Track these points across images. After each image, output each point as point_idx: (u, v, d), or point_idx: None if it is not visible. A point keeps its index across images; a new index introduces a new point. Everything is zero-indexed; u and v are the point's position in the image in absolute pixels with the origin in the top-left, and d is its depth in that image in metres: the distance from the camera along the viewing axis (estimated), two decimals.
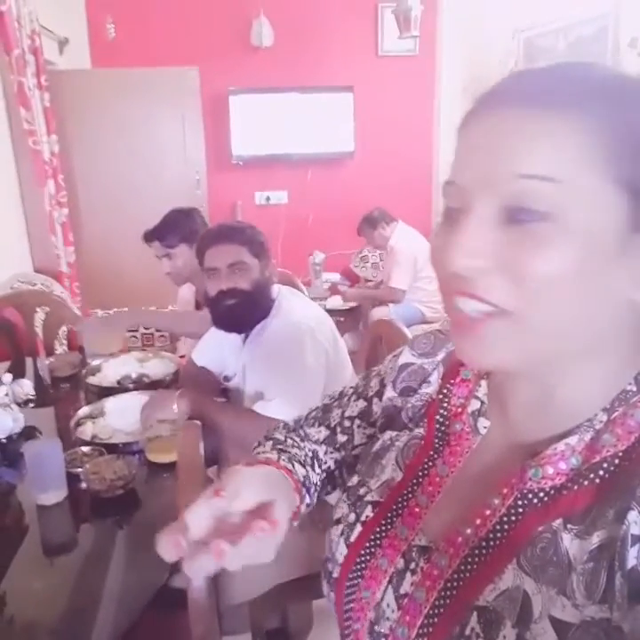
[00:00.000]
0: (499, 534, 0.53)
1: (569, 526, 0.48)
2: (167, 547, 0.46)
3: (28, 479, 1.33)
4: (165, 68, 3.90)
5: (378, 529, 0.62)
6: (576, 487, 0.49)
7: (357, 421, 0.78)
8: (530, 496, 0.52)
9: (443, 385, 0.67)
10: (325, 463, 0.78)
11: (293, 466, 0.69)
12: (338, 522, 0.66)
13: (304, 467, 0.71)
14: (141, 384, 1.92)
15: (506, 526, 0.52)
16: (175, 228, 2.20)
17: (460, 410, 0.63)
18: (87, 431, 1.57)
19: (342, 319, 3.64)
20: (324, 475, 0.77)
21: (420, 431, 0.66)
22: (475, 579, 0.52)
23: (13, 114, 3.04)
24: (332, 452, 0.79)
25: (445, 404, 0.65)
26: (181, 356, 2.23)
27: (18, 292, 2.80)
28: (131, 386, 1.91)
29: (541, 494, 0.51)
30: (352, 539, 0.63)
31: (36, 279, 3.06)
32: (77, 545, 1.21)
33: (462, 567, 0.54)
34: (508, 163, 0.45)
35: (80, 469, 1.33)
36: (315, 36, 4.48)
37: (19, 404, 1.69)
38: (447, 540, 0.56)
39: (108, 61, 4.23)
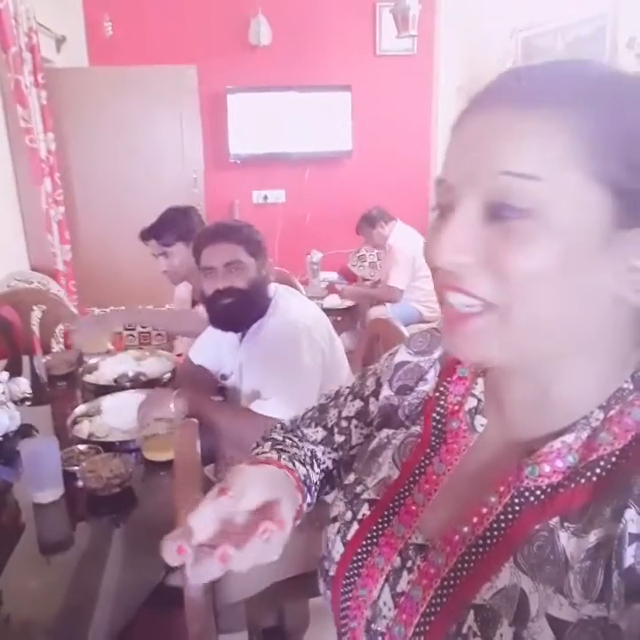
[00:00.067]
0: (495, 532, 0.53)
1: (566, 524, 0.48)
2: (171, 552, 0.46)
3: (24, 477, 1.33)
4: (163, 66, 3.90)
5: (374, 527, 0.62)
6: (573, 485, 0.49)
7: (354, 421, 0.78)
8: (527, 494, 0.52)
9: (439, 383, 0.67)
10: (323, 463, 0.78)
11: (294, 465, 0.69)
12: (334, 520, 0.66)
13: (304, 466, 0.71)
14: (138, 382, 1.92)
15: (503, 524, 0.52)
16: (172, 226, 2.20)
17: (456, 408, 0.63)
18: (84, 429, 1.56)
19: (339, 318, 3.65)
20: (323, 475, 0.77)
21: (416, 429, 0.66)
22: (471, 577, 0.52)
23: (10, 112, 3.03)
24: (329, 453, 0.80)
25: (442, 402, 0.65)
26: (178, 355, 2.23)
27: (14, 290, 2.79)
28: (128, 384, 1.90)
29: (538, 492, 0.51)
30: (349, 537, 0.63)
31: (32, 277, 3.05)
32: (74, 543, 1.21)
33: (459, 565, 0.54)
34: (494, 160, 0.46)
35: (76, 468, 1.33)
36: (313, 35, 4.48)
37: (15, 402, 1.69)
38: (444, 539, 0.56)
39: (106, 59, 4.22)
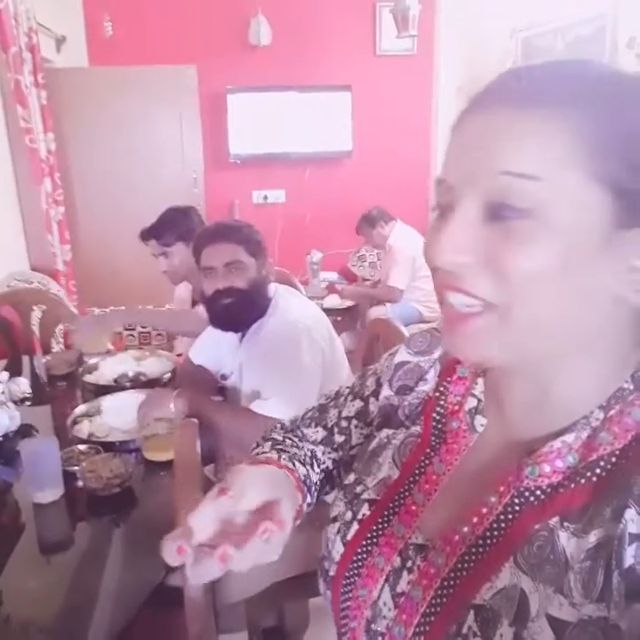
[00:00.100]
0: (495, 532, 0.52)
1: (566, 524, 0.48)
2: (171, 552, 0.46)
3: (24, 477, 1.33)
4: (163, 66, 3.90)
5: (374, 527, 0.62)
6: (573, 485, 0.49)
7: (354, 421, 0.78)
8: (526, 494, 0.52)
9: (439, 383, 0.67)
10: (323, 463, 0.78)
11: (294, 465, 0.69)
12: (334, 520, 0.66)
13: (304, 466, 0.71)
14: (138, 382, 1.92)
15: (503, 524, 0.52)
16: (172, 226, 2.20)
17: (456, 408, 0.63)
18: (84, 429, 1.56)
19: (339, 318, 3.64)
20: (323, 475, 0.77)
21: (416, 429, 0.66)
22: (471, 577, 0.52)
23: (10, 112, 3.03)
24: (329, 453, 0.79)
25: (442, 402, 0.65)
26: (178, 355, 2.23)
27: (14, 290, 2.79)
28: (128, 384, 1.90)
29: (538, 492, 0.51)
30: (349, 537, 0.63)
31: (32, 277, 3.05)
32: (74, 543, 1.21)
33: (459, 565, 0.53)
34: (494, 160, 0.46)
35: (76, 468, 1.33)
36: (313, 35, 4.48)
37: (15, 402, 1.69)
38: (444, 539, 0.56)
39: (106, 59, 4.22)
